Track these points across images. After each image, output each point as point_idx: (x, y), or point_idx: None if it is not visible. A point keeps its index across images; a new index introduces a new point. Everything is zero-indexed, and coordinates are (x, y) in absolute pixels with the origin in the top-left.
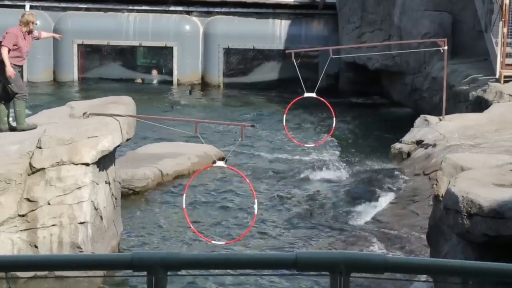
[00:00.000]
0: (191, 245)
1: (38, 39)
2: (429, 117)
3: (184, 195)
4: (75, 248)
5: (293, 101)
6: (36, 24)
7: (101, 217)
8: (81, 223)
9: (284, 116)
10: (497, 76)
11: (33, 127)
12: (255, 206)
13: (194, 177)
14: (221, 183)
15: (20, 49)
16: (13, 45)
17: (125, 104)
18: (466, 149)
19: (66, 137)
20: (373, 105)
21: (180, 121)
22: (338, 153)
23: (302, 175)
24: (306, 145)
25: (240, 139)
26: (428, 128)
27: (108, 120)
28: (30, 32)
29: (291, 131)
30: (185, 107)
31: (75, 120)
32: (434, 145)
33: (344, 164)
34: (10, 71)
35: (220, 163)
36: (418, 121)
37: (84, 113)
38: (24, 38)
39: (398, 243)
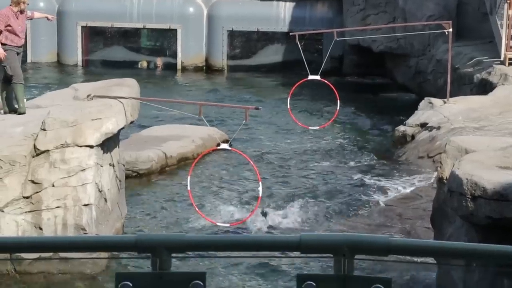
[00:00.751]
0: (195, 227)
1: (31, 19)
2: (433, 99)
3: (189, 177)
4: (80, 230)
5: (298, 83)
6: (28, 4)
7: (105, 199)
8: (85, 205)
9: (289, 98)
10: (502, 59)
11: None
12: (260, 188)
13: (199, 160)
14: (226, 166)
15: (14, 29)
16: (6, 26)
17: (129, 86)
18: (470, 132)
19: (70, 119)
20: (377, 88)
21: (184, 103)
22: (342, 135)
23: (306, 158)
24: (310, 127)
25: (244, 121)
26: (432, 111)
27: (112, 102)
28: (22, 11)
29: (295, 113)
30: (189, 89)
31: (79, 102)
32: (438, 128)
33: (348, 146)
34: (1, 52)
35: (224, 146)
36: (422, 103)
37: (88, 95)
38: (17, 18)
39: (402, 226)
